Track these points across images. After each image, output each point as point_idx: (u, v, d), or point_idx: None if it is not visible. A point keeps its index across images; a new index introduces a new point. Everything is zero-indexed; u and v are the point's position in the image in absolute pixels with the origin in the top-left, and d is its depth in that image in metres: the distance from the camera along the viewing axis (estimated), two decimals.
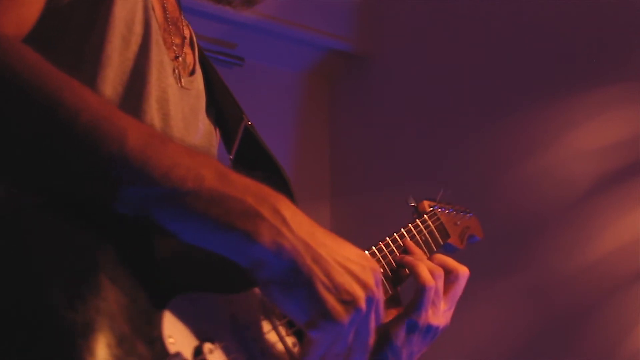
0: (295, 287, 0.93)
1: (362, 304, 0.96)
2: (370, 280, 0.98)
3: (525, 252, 2.65)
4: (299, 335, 1.06)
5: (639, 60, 2.45)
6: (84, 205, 0.85)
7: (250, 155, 1.28)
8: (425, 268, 1.25)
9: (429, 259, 1.32)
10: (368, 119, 3.30)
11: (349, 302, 0.95)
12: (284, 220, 0.91)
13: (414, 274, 1.28)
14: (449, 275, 1.31)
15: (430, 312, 1.24)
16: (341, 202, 3.29)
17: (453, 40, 3.00)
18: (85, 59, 1.04)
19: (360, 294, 0.96)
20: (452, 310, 1.30)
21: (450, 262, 1.31)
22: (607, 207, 2.48)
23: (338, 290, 0.94)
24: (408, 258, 1.31)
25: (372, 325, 1.01)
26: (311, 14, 3.13)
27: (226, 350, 0.93)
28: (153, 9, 1.14)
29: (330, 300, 0.94)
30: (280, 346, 1.04)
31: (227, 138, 1.31)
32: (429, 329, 1.25)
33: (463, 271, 1.33)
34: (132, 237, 0.88)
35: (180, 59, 1.20)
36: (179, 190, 0.86)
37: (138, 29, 1.10)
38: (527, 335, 2.60)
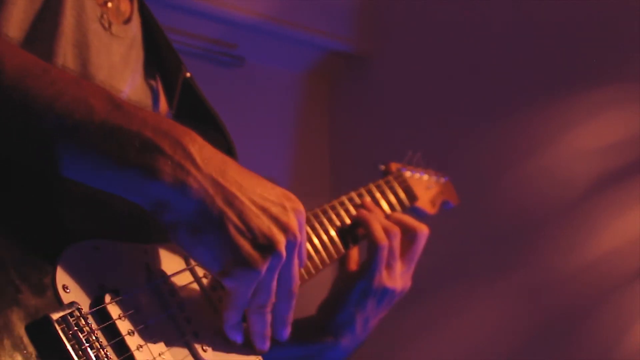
0: (205, 231, 0.83)
1: (282, 248, 0.87)
2: (292, 222, 0.89)
3: (525, 252, 2.65)
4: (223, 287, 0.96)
5: (639, 60, 2.45)
6: None
7: (190, 109, 1.17)
8: (379, 226, 1.14)
9: (386, 217, 1.21)
10: (368, 119, 3.29)
11: (266, 246, 0.86)
12: (188, 155, 0.82)
13: (367, 232, 1.17)
14: (407, 235, 1.19)
15: (384, 273, 1.14)
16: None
17: (453, 41, 2.99)
18: None
19: (279, 238, 0.87)
20: (410, 272, 1.19)
21: (407, 220, 1.20)
22: (607, 206, 2.48)
23: (254, 234, 0.85)
24: (362, 213, 1.20)
25: (295, 270, 0.92)
26: (311, 14, 3.12)
27: (133, 301, 0.86)
28: None
29: (245, 246, 0.84)
30: (202, 300, 0.95)
31: (168, 91, 1.19)
32: (385, 292, 1.14)
33: (422, 230, 1.21)
34: (28, 177, 0.80)
35: (110, 4, 1.08)
36: (65, 123, 0.77)
37: None
38: (527, 334, 2.60)
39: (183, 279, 0.94)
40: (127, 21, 1.12)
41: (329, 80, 3.43)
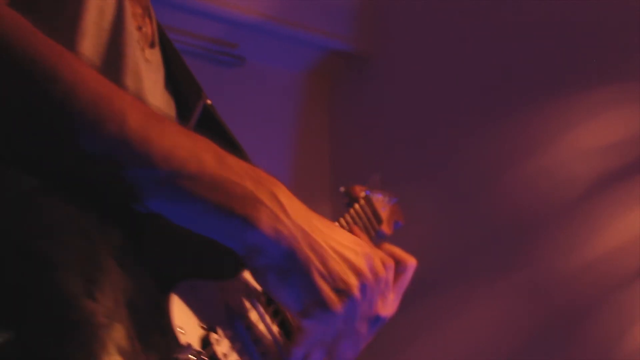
0: (292, 274, 0.91)
1: (357, 292, 0.95)
2: (364, 267, 0.97)
3: (525, 251, 2.65)
4: (281, 324, 1.04)
5: (639, 60, 2.45)
6: (83, 188, 0.80)
7: (208, 135, 1.22)
8: (378, 259, 1.20)
9: (379, 248, 1.25)
10: (368, 119, 3.30)
11: (344, 290, 0.94)
12: (281, 206, 0.89)
13: None
14: (398, 266, 1.24)
15: (380, 303, 1.18)
16: (341, 203, 3.29)
17: (453, 40, 3.00)
18: (60, 30, 0.94)
19: (354, 282, 0.95)
20: (398, 301, 1.24)
21: (398, 252, 1.26)
22: (607, 206, 2.48)
23: (333, 279, 0.93)
24: None
25: (365, 312, 0.99)
26: (311, 14, 3.13)
27: (230, 340, 0.92)
28: None
29: (325, 289, 0.92)
30: (268, 335, 1.02)
31: (182, 115, 1.22)
32: (377, 319, 1.18)
33: (411, 262, 1.26)
34: (131, 220, 0.84)
35: (143, 29, 1.13)
36: (179, 173, 0.83)
37: None
38: (527, 334, 2.60)
39: (252, 317, 1.02)
40: (152, 45, 1.16)
41: (329, 80, 3.43)
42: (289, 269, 0.90)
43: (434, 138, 3.02)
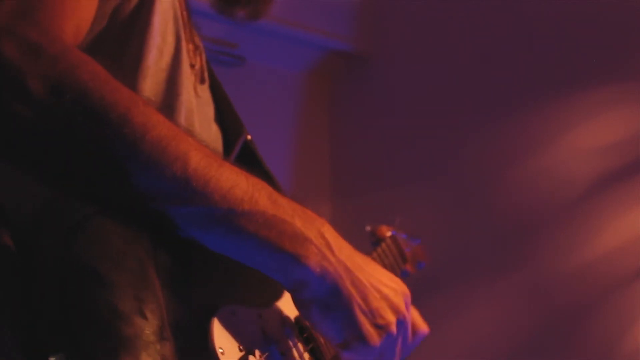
0: (335, 309, 0.96)
1: (394, 329, 1.01)
2: (402, 305, 1.03)
3: (525, 251, 2.65)
4: (312, 352, 1.10)
5: (639, 60, 2.45)
6: (139, 217, 0.86)
7: (245, 169, 1.28)
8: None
9: None
10: (369, 119, 3.30)
11: (382, 326, 0.99)
12: (328, 244, 0.95)
13: None
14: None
15: None
16: (342, 203, 3.29)
17: (453, 40, 3.00)
18: (124, 70, 1.03)
19: (392, 319, 1.01)
20: None
21: (415, 315, 1.31)
22: (607, 206, 2.48)
23: (373, 315, 0.99)
24: None
25: (399, 347, 1.05)
26: (311, 14, 3.13)
27: None
28: (180, 18, 1.13)
29: (366, 324, 0.98)
30: (297, 356, 1.07)
31: (225, 148, 1.31)
32: None
33: (423, 330, 1.34)
34: (180, 248, 0.90)
35: (196, 67, 1.21)
36: (235, 211, 0.88)
37: (170, 39, 1.10)
38: (527, 334, 2.60)
39: (286, 343, 1.07)
40: (203, 81, 1.24)
41: (329, 80, 3.43)
42: (333, 303, 0.96)
43: (434, 138, 3.02)
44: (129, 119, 0.83)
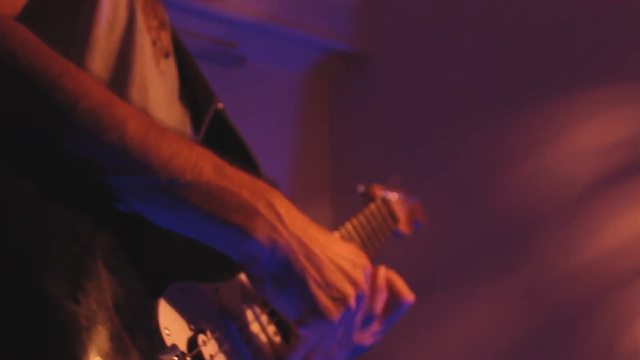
0: (288, 283, 0.92)
1: (353, 302, 0.97)
2: (360, 278, 0.98)
3: (525, 251, 2.65)
4: (279, 324, 1.06)
5: (639, 60, 2.45)
6: (80, 192, 0.83)
7: (219, 139, 1.23)
8: (382, 297, 1.19)
9: (374, 270, 1.22)
10: (369, 119, 3.30)
11: (340, 299, 0.95)
12: (278, 216, 0.91)
13: None
14: (392, 299, 1.23)
15: (359, 332, 1.17)
16: (342, 203, 3.29)
17: (453, 40, 3.00)
18: (71, 42, 0.99)
19: (350, 292, 0.96)
20: (384, 333, 1.23)
21: (399, 284, 1.24)
22: (606, 206, 2.48)
23: (329, 288, 0.94)
24: None
25: (359, 322, 1.02)
26: (311, 14, 3.13)
27: (218, 341, 0.93)
28: None
29: (322, 298, 0.94)
30: (263, 336, 1.03)
31: (196, 119, 1.25)
32: (354, 346, 1.18)
33: (408, 299, 1.24)
34: (125, 225, 0.86)
35: (158, 43, 1.16)
36: (176, 182, 0.85)
37: (122, 12, 1.05)
38: (527, 334, 2.60)
39: (247, 317, 1.03)
40: (167, 55, 1.19)
41: (329, 80, 3.43)
42: (285, 277, 0.92)
43: (434, 138, 3.02)
44: (59, 86, 0.80)
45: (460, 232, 2.78)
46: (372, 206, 1.45)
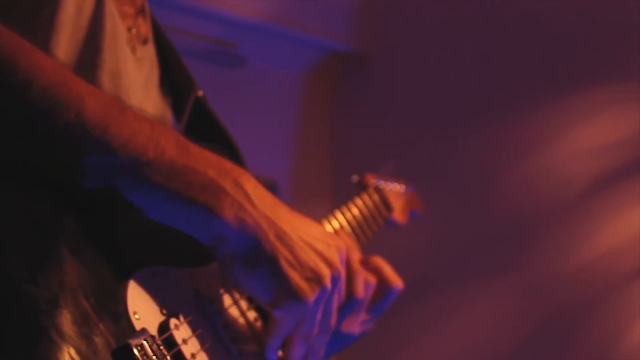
0: (258, 264, 0.89)
1: (328, 282, 0.94)
2: (335, 258, 0.96)
3: (525, 251, 2.65)
4: (259, 309, 1.03)
5: (639, 60, 2.45)
6: (42, 175, 0.81)
7: (201, 127, 1.20)
8: (361, 278, 1.16)
9: (364, 259, 1.21)
10: (369, 119, 3.30)
11: (314, 279, 0.92)
12: (246, 195, 0.88)
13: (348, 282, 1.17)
14: (381, 286, 1.20)
15: (347, 319, 1.15)
16: (342, 203, 3.29)
17: (453, 40, 3.00)
18: (38, 24, 0.95)
19: (325, 272, 0.93)
20: (371, 323, 1.21)
21: (387, 270, 1.21)
22: (606, 206, 2.48)
23: (303, 268, 0.92)
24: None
25: (335, 304, 0.99)
26: (311, 14, 3.13)
27: (192, 325, 0.91)
28: None
29: (295, 278, 0.91)
30: (242, 321, 1.01)
31: (177, 108, 1.23)
32: (342, 335, 1.16)
33: (396, 286, 1.21)
34: (91, 209, 0.84)
35: (134, 30, 1.13)
36: (138, 160, 0.82)
37: None
38: (527, 334, 2.60)
39: (225, 302, 1.00)
40: (145, 42, 1.16)
41: (329, 80, 3.43)
42: (255, 258, 0.89)
43: (434, 138, 3.02)
44: (12, 65, 0.78)
45: (460, 231, 2.77)
46: (364, 194, 1.42)
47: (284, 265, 0.90)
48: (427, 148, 3.03)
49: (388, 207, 1.49)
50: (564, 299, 2.53)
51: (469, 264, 2.75)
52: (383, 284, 1.20)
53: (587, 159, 2.55)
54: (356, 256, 1.15)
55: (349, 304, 1.13)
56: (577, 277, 2.50)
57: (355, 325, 1.16)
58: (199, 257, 0.96)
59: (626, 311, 2.38)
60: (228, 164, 0.90)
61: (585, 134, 2.57)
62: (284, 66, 3.27)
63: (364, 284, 1.16)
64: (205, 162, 0.87)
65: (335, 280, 0.95)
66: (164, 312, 0.88)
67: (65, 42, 0.98)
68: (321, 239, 0.96)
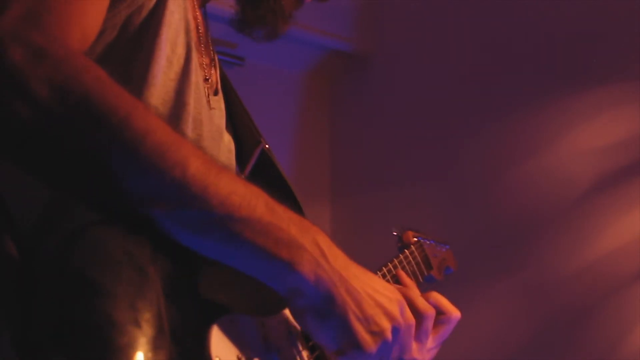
0: (329, 316, 0.98)
1: (389, 335, 1.03)
2: (396, 312, 1.05)
3: (525, 252, 2.65)
4: (317, 359, 1.11)
5: (639, 60, 2.45)
6: (140, 223, 0.88)
7: (264, 176, 1.33)
8: (420, 305, 1.28)
9: (424, 295, 1.34)
10: (368, 119, 3.30)
11: (378, 333, 1.01)
12: (322, 253, 0.97)
13: None
14: (441, 316, 1.34)
15: (415, 346, 1.25)
16: (341, 203, 3.30)
17: (453, 40, 3.00)
18: (132, 77, 1.05)
19: (387, 326, 1.03)
20: (437, 350, 1.34)
21: (444, 303, 1.35)
22: (607, 206, 2.48)
23: (368, 322, 1.01)
24: (402, 290, 1.32)
25: (396, 354, 1.08)
26: (311, 14, 3.12)
27: None
28: (192, 31, 1.16)
29: (361, 331, 1.00)
30: None
31: (240, 157, 1.34)
32: None
33: (455, 315, 1.36)
34: (182, 255, 0.91)
35: (209, 80, 1.24)
36: (232, 217, 0.90)
37: (180, 50, 1.12)
38: (527, 334, 2.60)
39: (290, 352, 1.08)
40: (216, 93, 1.27)
41: (329, 80, 3.43)
42: (327, 311, 0.98)
43: (434, 138, 3.02)
44: (129, 123, 0.84)
45: (460, 232, 2.77)
46: (408, 252, 1.53)
47: (352, 318, 0.99)
48: (427, 148, 3.03)
49: (428, 265, 1.62)
50: (565, 300, 2.53)
51: (469, 265, 2.75)
52: (443, 315, 1.33)
53: (587, 159, 2.55)
54: (417, 297, 1.26)
55: (419, 335, 1.25)
56: (578, 278, 2.50)
57: (423, 352, 1.27)
58: (267, 306, 1.05)
59: (628, 312, 2.38)
60: (307, 223, 0.98)
61: (586, 134, 2.57)
62: (283, 66, 3.27)
63: (422, 310, 1.27)
64: (289, 220, 0.95)
65: (395, 332, 1.04)
66: (240, 357, 0.96)
67: (156, 95, 1.08)
68: (384, 294, 1.05)
